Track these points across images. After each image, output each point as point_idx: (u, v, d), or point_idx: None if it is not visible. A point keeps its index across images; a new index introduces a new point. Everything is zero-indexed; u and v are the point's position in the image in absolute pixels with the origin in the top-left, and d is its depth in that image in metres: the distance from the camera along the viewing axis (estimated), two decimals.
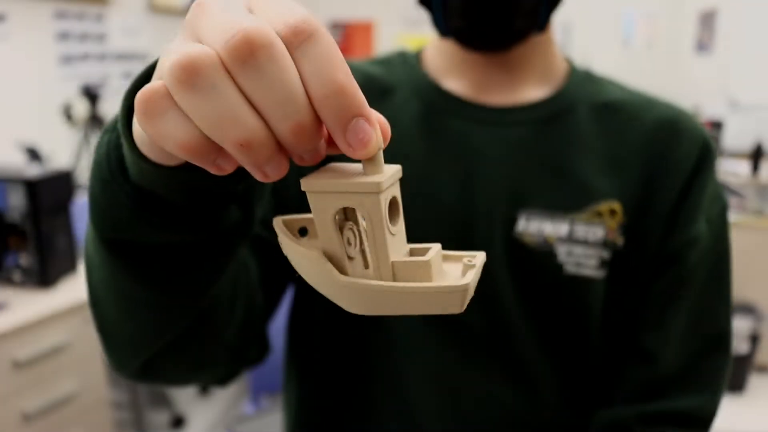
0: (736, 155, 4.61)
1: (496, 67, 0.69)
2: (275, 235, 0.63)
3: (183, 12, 6.49)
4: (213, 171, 0.28)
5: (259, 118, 0.26)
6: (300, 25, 0.26)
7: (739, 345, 2.62)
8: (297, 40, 0.26)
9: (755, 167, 3.85)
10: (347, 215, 0.32)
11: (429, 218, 0.65)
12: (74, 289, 1.82)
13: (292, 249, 0.32)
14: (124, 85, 4.84)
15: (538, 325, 0.66)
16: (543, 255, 0.64)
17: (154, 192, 0.36)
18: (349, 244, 0.32)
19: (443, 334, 0.66)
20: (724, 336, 0.67)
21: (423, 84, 0.71)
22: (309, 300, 0.72)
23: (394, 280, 0.30)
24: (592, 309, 0.66)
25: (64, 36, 4.98)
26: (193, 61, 0.25)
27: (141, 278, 0.42)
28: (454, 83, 0.71)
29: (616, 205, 0.65)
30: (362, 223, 0.31)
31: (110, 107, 5.37)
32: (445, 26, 0.65)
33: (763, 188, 4.42)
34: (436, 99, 0.70)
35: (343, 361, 0.70)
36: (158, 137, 0.27)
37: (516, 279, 0.65)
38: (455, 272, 0.32)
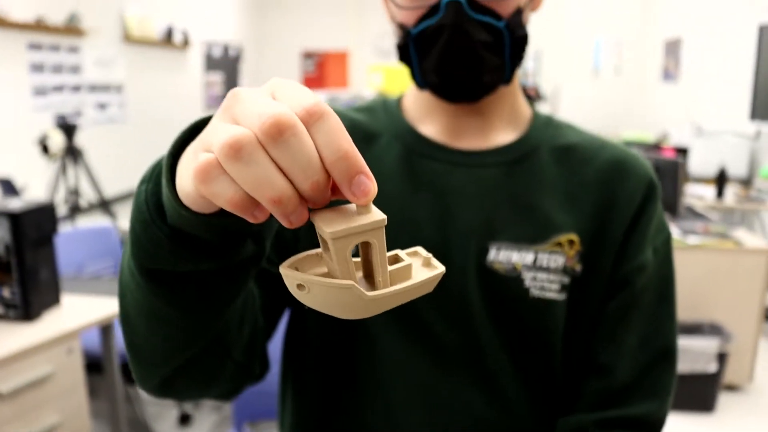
0: (701, 180, 4.75)
1: (468, 115, 0.78)
2: (273, 265, 0.72)
3: (157, 42, 6.52)
4: (250, 220, 0.37)
5: (287, 180, 0.34)
6: (313, 108, 0.34)
7: (708, 365, 2.69)
8: (312, 120, 0.34)
9: (720, 192, 3.97)
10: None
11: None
12: (57, 321, 1.82)
13: (323, 286, 0.39)
14: (99, 116, 4.83)
15: (507, 342, 0.74)
16: (511, 280, 0.73)
17: (189, 232, 0.45)
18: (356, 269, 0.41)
19: (424, 351, 0.74)
20: (670, 349, 0.75)
21: (403, 129, 0.80)
22: (303, 323, 0.80)
23: (391, 284, 0.40)
24: (554, 328, 0.74)
25: (38, 67, 4.98)
26: (238, 140, 0.33)
27: (171, 301, 0.51)
28: (431, 128, 0.80)
29: (574, 237, 0.74)
30: (375, 247, 0.40)
31: (86, 138, 5.35)
32: (422, 80, 0.74)
33: (727, 212, 4.56)
34: (415, 143, 0.78)
35: (334, 377, 0.78)
36: (212, 196, 0.35)
37: (487, 301, 0.73)
38: (420, 265, 0.43)
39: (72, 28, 5.20)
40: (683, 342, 2.62)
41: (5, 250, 1.73)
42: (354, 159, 0.35)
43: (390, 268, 0.40)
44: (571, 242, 0.74)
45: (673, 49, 6.71)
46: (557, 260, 0.73)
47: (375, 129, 0.80)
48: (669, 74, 6.80)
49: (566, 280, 0.73)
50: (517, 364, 0.74)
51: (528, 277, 0.73)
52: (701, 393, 2.78)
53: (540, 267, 0.73)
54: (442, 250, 0.73)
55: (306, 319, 0.79)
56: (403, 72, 4.30)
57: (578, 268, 0.74)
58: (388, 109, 0.83)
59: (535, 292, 0.73)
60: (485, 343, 0.73)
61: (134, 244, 0.47)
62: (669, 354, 0.75)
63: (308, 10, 8.83)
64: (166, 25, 6.69)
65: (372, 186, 0.36)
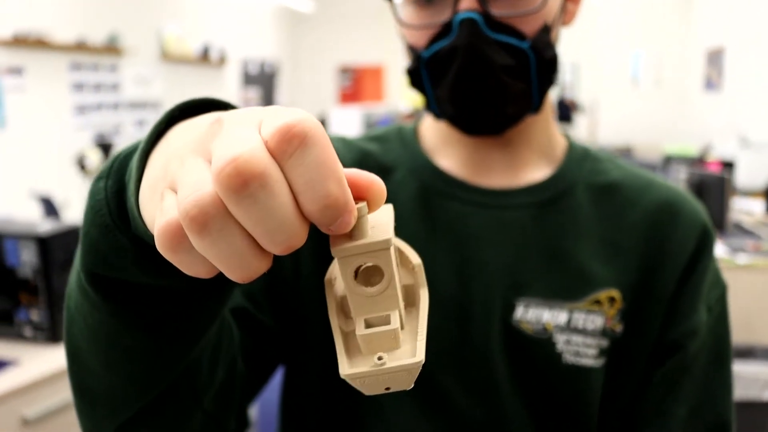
0: (749, 194, 4.56)
1: (492, 148, 0.68)
2: (260, 310, 0.63)
3: (194, 60, 6.61)
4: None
5: (261, 253, 0.29)
6: (290, 131, 0.27)
7: (762, 392, 2.56)
8: (290, 149, 0.27)
9: None
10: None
11: None
12: None
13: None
14: (137, 133, 4.90)
15: (536, 415, 0.64)
16: (541, 343, 0.63)
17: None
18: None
19: (440, 423, 0.64)
20: (726, 423, 0.65)
21: (420, 163, 0.70)
22: (302, 384, 0.69)
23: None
24: (591, 399, 0.64)
25: (79, 87, 5.08)
26: (202, 211, 0.27)
27: (133, 323, 0.42)
28: (451, 162, 0.70)
29: (615, 293, 0.64)
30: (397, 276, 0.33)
31: None
32: (438, 110, 0.65)
33: None
34: (434, 180, 0.69)
35: None
36: (179, 266, 0.30)
37: (513, 367, 0.63)
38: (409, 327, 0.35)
39: (112, 48, 5.29)
40: (734, 367, 2.50)
41: (33, 273, 1.73)
42: (340, 206, 0.28)
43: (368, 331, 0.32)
44: (611, 299, 0.64)
45: (715, 58, 6.54)
46: (595, 321, 0.63)
47: (389, 161, 0.70)
48: (711, 84, 6.62)
49: (605, 343, 0.63)
50: None
51: (561, 340, 0.63)
52: (754, 422, 2.65)
53: (575, 329, 0.63)
54: (461, 305, 0.64)
55: (306, 380, 0.68)
56: None
57: (619, 328, 0.64)
58: (403, 138, 0.73)
59: (568, 357, 0.63)
60: (511, 416, 0.63)
61: (89, 253, 0.39)
62: (724, 428, 0.64)
63: (344, 25, 8.88)
64: (203, 43, 6.78)
65: (351, 223, 0.29)
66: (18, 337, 1.87)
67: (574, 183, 0.68)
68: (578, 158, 0.70)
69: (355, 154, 0.70)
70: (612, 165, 0.71)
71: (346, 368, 0.31)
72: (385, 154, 0.71)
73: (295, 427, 0.71)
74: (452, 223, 0.66)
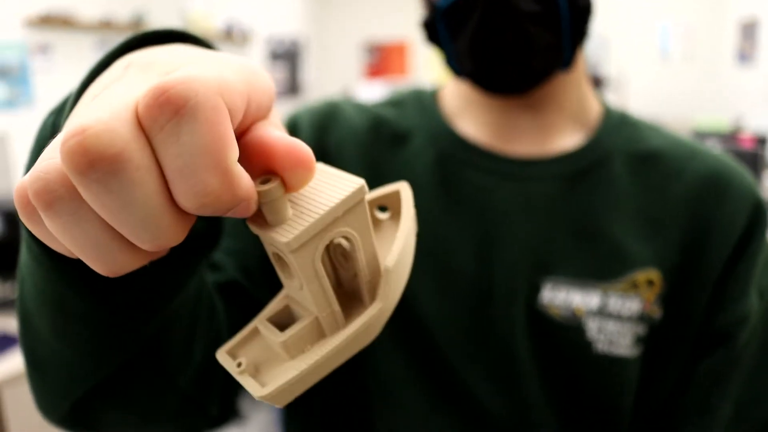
0: None
1: (518, 112, 0.62)
2: (256, 286, 0.57)
3: (219, 37, 6.61)
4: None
5: (125, 242, 0.23)
6: (163, 96, 0.20)
7: None
8: (160, 120, 0.21)
9: None
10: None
11: (439, 286, 0.59)
12: None
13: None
14: None
15: (562, 409, 0.58)
16: (570, 330, 0.57)
17: None
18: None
19: (455, 415, 0.58)
20: None
21: (439, 129, 0.63)
22: None
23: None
24: (623, 393, 0.57)
25: None
26: (45, 187, 0.21)
27: (76, 284, 0.34)
28: (473, 128, 0.63)
29: (654, 274, 0.57)
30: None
31: None
32: (457, 66, 0.58)
33: None
34: (453, 147, 0.62)
35: None
36: (37, 235, 0.25)
37: (538, 356, 0.58)
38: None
39: (137, 26, 5.30)
40: None
41: None
42: (223, 204, 0.22)
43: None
44: (650, 282, 0.57)
45: (749, 30, 6.37)
46: (631, 306, 0.57)
47: (405, 128, 0.64)
48: (744, 56, 6.46)
49: (642, 330, 0.57)
50: None
51: (592, 327, 0.56)
52: None
53: (609, 314, 0.57)
54: (481, 285, 0.58)
55: None
56: None
57: (658, 314, 0.57)
58: (422, 102, 0.67)
59: (601, 346, 0.56)
60: (534, 410, 0.58)
61: None
62: None
63: (369, 0, 8.81)
64: (227, 20, 6.77)
65: (248, 209, 0.23)
66: None
67: (610, 152, 0.61)
68: (615, 124, 0.64)
69: (368, 120, 0.65)
70: (653, 132, 0.64)
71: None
72: (402, 120, 0.65)
73: (301, 415, 0.66)
74: (473, 196, 0.60)
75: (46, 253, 0.33)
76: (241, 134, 0.26)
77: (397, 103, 0.68)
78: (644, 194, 0.60)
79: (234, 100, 0.23)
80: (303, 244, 0.24)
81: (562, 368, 0.58)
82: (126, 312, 0.37)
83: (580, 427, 0.58)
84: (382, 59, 8.90)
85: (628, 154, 0.62)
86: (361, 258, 0.26)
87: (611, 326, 0.57)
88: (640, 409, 0.59)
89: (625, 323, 0.57)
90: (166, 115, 0.20)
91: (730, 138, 4.35)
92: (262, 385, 0.26)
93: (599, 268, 0.57)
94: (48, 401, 0.43)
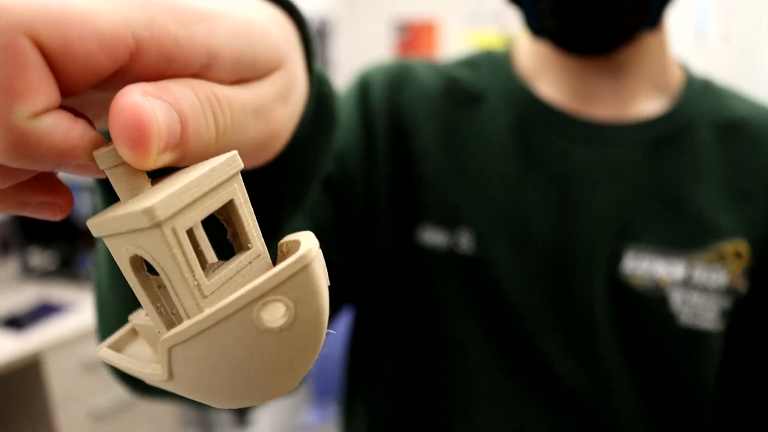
0: None
1: (600, 74, 0.59)
2: (329, 246, 0.54)
3: None
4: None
5: None
6: None
7: None
8: None
9: None
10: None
11: (516, 252, 0.57)
12: None
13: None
14: None
15: (642, 383, 0.56)
16: (653, 302, 0.55)
17: None
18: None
19: (530, 386, 0.57)
20: None
21: (515, 90, 0.61)
22: (375, 331, 0.63)
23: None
24: (707, 368, 0.56)
25: None
26: None
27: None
28: (551, 90, 0.61)
29: (742, 246, 0.55)
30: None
31: None
32: (538, 26, 0.55)
33: None
34: (532, 110, 0.60)
35: (416, 402, 0.62)
36: None
37: (620, 330, 0.56)
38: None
39: None
40: None
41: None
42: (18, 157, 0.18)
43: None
44: (737, 254, 0.55)
45: None
46: (718, 278, 0.54)
47: (480, 88, 0.62)
48: None
49: (728, 304, 0.55)
50: (654, 411, 0.57)
51: (677, 299, 0.54)
52: None
53: (694, 285, 0.54)
54: (560, 252, 0.56)
55: (379, 327, 0.62)
56: (499, 42, 4.03)
57: (744, 288, 0.55)
58: (495, 63, 0.64)
59: (684, 319, 0.55)
60: (614, 383, 0.56)
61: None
62: None
63: None
64: None
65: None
66: (76, 281, 1.92)
67: (694, 119, 0.59)
68: (699, 91, 0.61)
69: (440, 80, 0.63)
70: (738, 100, 0.62)
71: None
72: (476, 81, 0.63)
73: (366, 377, 0.65)
74: (551, 159, 0.58)
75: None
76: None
77: (469, 63, 0.66)
78: (730, 164, 0.58)
79: (81, 43, 0.18)
80: (173, 214, 0.19)
81: (644, 340, 0.56)
82: None
83: (660, 401, 0.57)
84: (412, 37, 8.83)
85: (713, 122, 0.59)
86: (249, 224, 0.21)
87: (696, 298, 0.55)
88: (723, 386, 0.57)
89: (711, 296, 0.55)
90: None
91: None
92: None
93: (684, 238, 0.55)
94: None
